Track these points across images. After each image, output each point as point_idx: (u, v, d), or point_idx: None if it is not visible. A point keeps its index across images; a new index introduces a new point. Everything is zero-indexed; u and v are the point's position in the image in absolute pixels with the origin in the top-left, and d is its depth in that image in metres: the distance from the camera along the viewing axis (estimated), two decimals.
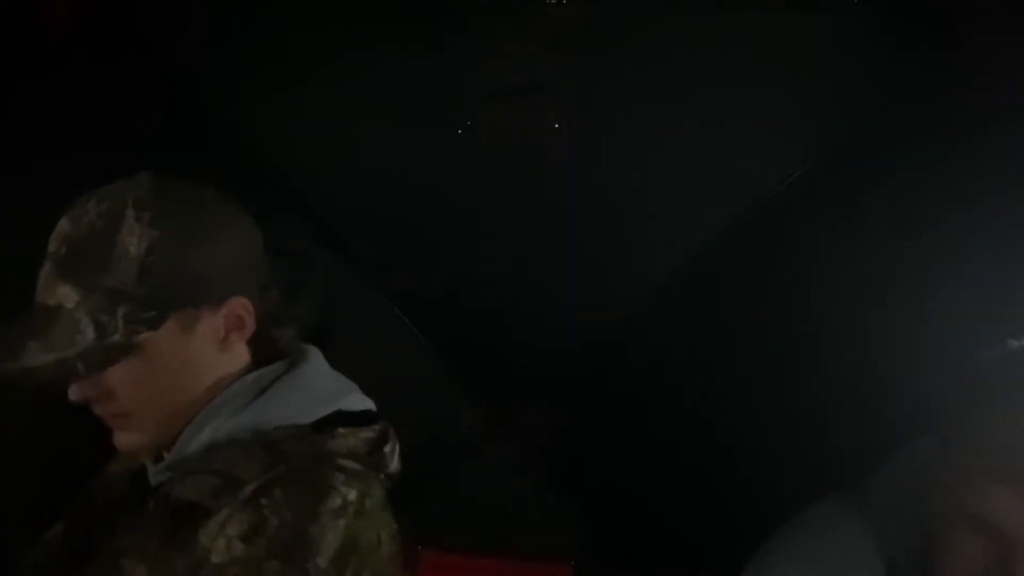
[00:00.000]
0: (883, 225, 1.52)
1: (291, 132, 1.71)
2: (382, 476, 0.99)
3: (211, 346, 0.95)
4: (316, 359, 1.04)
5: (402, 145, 1.71)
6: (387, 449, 1.01)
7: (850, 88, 1.58)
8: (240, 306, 0.96)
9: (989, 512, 0.80)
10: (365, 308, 1.90)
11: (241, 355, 1.00)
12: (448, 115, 1.65)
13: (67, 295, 0.88)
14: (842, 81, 1.58)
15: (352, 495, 0.90)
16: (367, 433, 0.98)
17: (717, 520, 1.66)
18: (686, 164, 1.69)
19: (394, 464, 1.02)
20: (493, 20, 1.57)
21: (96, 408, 0.93)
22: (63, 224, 0.90)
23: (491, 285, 1.85)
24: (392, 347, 1.93)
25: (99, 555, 0.94)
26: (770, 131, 1.63)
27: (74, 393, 0.91)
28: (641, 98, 1.64)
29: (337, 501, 0.89)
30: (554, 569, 1.93)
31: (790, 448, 1.60)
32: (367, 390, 1.09)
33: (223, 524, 0.87)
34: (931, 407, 0.89)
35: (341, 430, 0.96)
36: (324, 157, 1.73)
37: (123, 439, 0.95)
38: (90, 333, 0.87)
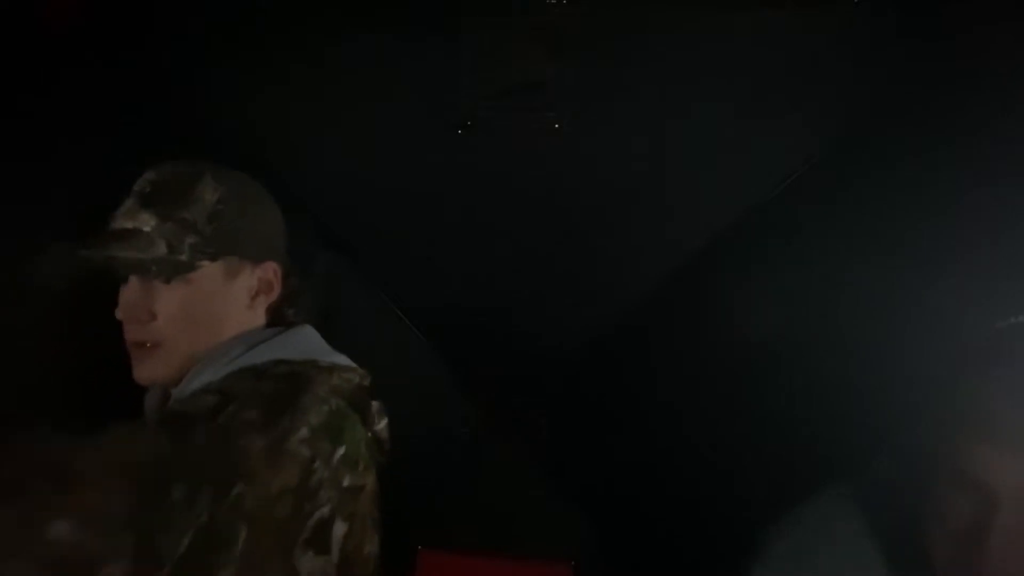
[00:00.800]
0: (879, 222, 1.52)
1: (291, 132, 1.71)
2: (369, 433, 1.04)
3: (243, 300, 1.10)
4: (311, 330, 1.14)
5: (402, 145, 1.71)
6: (375, 405, 1.08)
7: (850, 88, 1.58)
8: (272, 270, 1.12)
9: (974, 469, 0.86)
10: (365, 308, 1.90)
11: (259, 319, 1.13)
12: (448, 115, 1.65)
13: (146, 220, 1.04)
14: (842, 81, 1.58)
15: (333, 402, 0.97)
16: (348, 373, 1.05)
17: (716, 520, 1.66)
18: (686, 164, 1.69)
19: (380, 427, 1.08)
20: (493, 20, 1.57)
21: (132, 332, 1.05)
22: (148, 173, 1.07)
23: (491, 285, 1.85)
24: (392, 346, 1.94)
25: None
26: (770, 131, 1.63)
27: (122, 311, 1.04)
28: (641, 98, 1.64)
29: (318, 393, 0.96)
30: (554, 569, 1.93)
31: (790, 448, 1.60)
32: None
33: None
34: (923, 394, 0.93)
35: (321, 362, 1.04)
36: (324, 157, 1.73)
37: (144, 370, 1.05)
38: (163, 248, 1.03)
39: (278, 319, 1.15)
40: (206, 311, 1.06)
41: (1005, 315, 0.92)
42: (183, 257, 1.03)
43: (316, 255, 1.81)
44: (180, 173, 1.07)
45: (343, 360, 1.09)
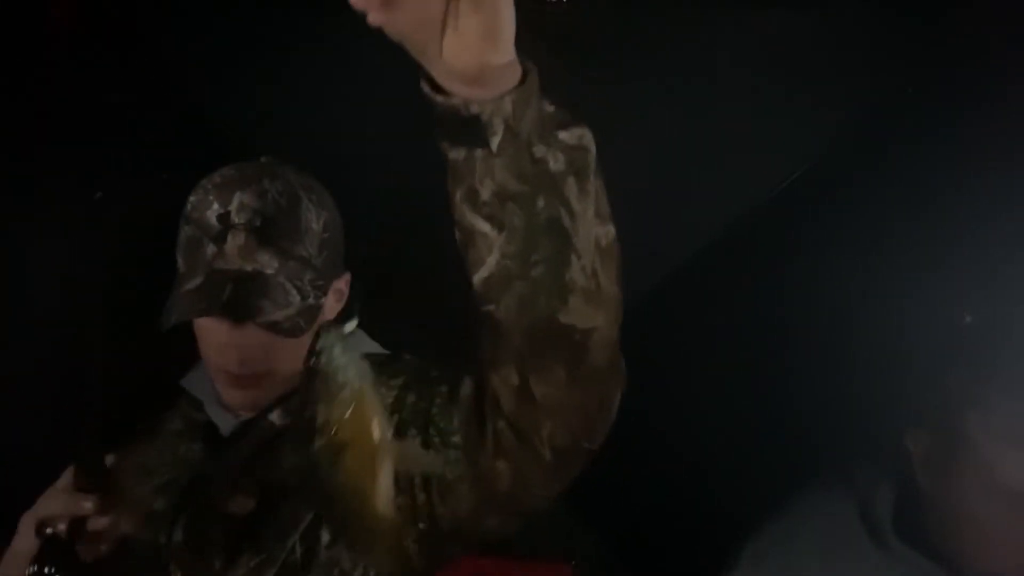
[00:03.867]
0: (879, 222, 1.53)
1: (290, 132, 1.71)
2: None
3: (329, 315, 1.04)
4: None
5: (401, 144, 1.71)
6: None
7: (849, 87, 1.58)
8: (345, 281, 1.07)
9: (1009, 479, 0.84)
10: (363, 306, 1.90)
11: None
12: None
13: (267, 262, 0.95)
14: (841, 80, 1.58)
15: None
16: None
17: (718, 520, 1.66)
18: (686, 164, 1.69)
19: None
20: None
21: (241, 368, 0.96)
22: (247, 198, 0.95)
23: None
24: (390, 345, 1.93)
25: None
26: (771, 130, 1.63)
27: (239, 361, 0.95)
28: (641, 98, 1.64)
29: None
30: (554, 569, 1.92)
31: (792, 450, 1.60)
32: None
33: None
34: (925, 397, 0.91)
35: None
36: (322, 156, 1.73)
37: (247, 397, 1.00)
38: (296, 296, 0.95)
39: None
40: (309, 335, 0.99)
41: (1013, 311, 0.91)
42: (310, 301, 0.97)
43: None
44: (280, 200, 0.97)
45: None
